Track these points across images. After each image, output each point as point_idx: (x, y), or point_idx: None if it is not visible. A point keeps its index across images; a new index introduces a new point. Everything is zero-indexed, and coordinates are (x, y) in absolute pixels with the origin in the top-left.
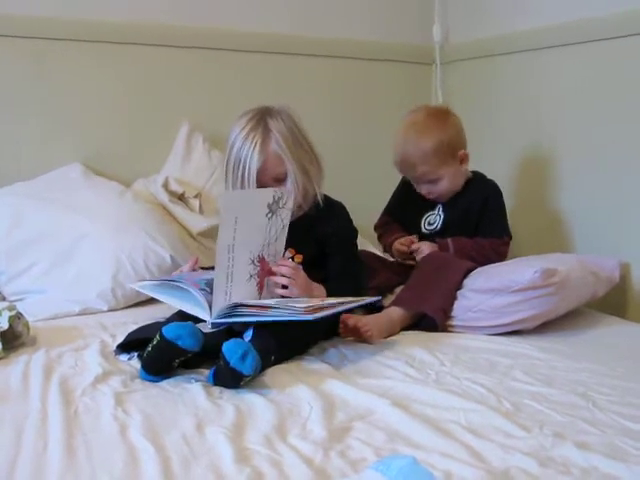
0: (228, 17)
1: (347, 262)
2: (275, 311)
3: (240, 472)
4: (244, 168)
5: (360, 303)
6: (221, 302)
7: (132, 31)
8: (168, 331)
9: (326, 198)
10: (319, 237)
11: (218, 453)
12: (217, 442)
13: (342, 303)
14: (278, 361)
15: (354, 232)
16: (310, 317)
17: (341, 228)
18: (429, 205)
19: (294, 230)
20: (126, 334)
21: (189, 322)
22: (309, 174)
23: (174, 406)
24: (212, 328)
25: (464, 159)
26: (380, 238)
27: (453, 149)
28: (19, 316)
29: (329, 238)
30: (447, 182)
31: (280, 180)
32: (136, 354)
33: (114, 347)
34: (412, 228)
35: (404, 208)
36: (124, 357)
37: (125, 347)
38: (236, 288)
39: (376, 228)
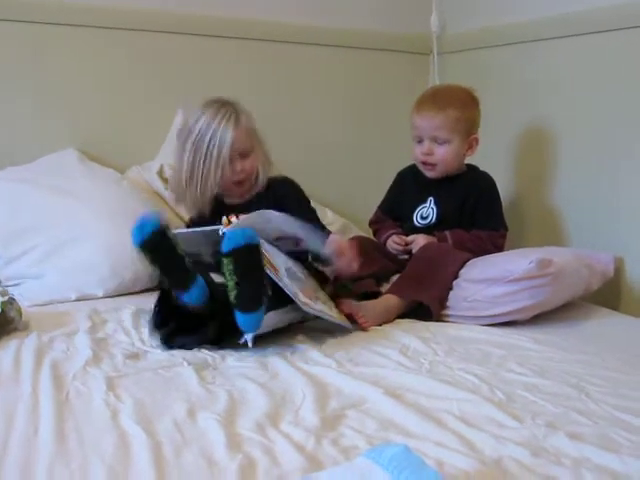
0: (225, 5)
1: (307, 213)
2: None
3: (232, 458)
4: (217, 140)
5: (336, 321)
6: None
7: (128, 17)
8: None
9: (274, 177)
10: (274, 203)
11: (210, 439)
12: (209, 428)
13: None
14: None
15: (303, 192)
16: (302, 306)
17: (291, 190)
18: (420, 198)
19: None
20: (130, 316)
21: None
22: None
23: (166, 391)
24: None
25: (472, 144)
26: (375, 234)
27: (469, 128)
28: (12, 301)
29: (281, 200)
30: (450, 151)
31: (245, 155)
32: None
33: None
34: (405, 223)
35: (398, 203)
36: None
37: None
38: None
39: (371, 224)
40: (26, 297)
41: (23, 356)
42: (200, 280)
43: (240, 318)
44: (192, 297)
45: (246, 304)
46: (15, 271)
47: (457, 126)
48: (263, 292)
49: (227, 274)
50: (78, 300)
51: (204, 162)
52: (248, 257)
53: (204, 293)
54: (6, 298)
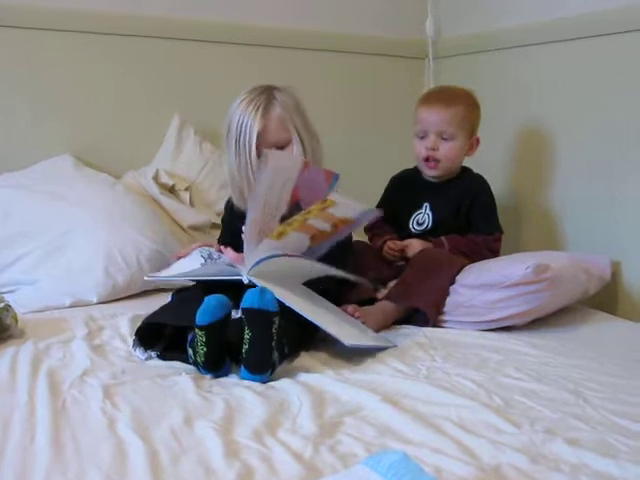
0: (220, 10)
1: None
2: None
3: (229, 466)
4: (245, 132)
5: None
6: (253, 257)
7: (125, 23)
8: (201, 319)
9: None
10: None
11: (207, 447)
12: (206, 436)
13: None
14: (291, 350)
15: None
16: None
17: None
18: (416, 204)
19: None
20: (127, 323)
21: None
22: (314, 153)
23: (163, 399)
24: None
25: (474, 145)
26: (371, 240)
27: (472, 128)
28: (7, 308)
29: None
30: (455, 148)
31: (281, 147)
32: (154, 353)
33: (131, 340)
34: (401, 229)
35: (393, 209)
36: (141, 354)
37: (141, 338)
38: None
39: (366, 230)
40: (20, 304)
41: (19, 364)
42: (228, 361)
43: (244, 373)
44: (218, 376)
45: (252, 364)
46: (9, 278)
47: (463, 123)
48: (269, 360)
49: (245, 326)
50: (73, 306)
51: (239, 158)
52: (259, 321)
53: (229, 369)
54: (2, 305)
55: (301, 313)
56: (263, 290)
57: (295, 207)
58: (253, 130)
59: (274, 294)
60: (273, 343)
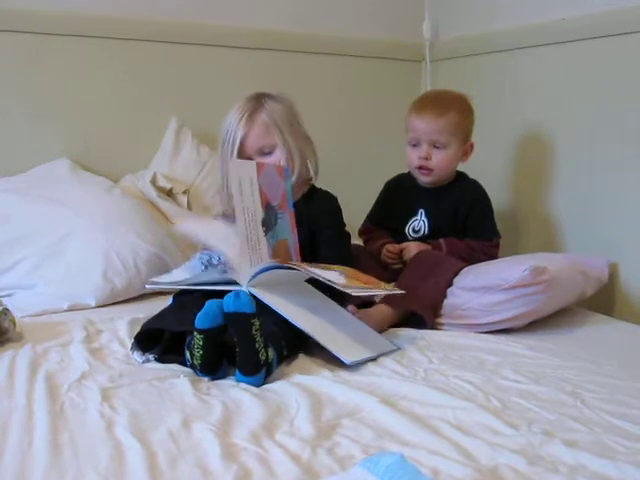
0: (218, 13)
1: (336, 236)
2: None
3: (227, 469)
4: (230, 137)
5: (382, 292)
6: (247, 268)
7: (121, 27)
8: (201, 323)
9: (318, 189)
10: (310, 219)
11: (205, 450)
12: (204, 439)
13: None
14: (290, 352)
15: (341, 215)
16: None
17: (330, 209)
18: (411, 211)
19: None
20: (125, 326)
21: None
22: (305, 157)
23: (161, 402)
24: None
25: (468, 151)
26: (366, 243)
27: (466, 134)
28: (5, 312)
29: (318, 217)
30: (448, 156)
31: (264, 153)
32: (152, 356)
33: (130, 343)
34: (397, 234)
35: (388, 214)
36: (138, 357)
37: (140, 340)
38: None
39: (360, 234)
40: (19, 307)
41: (17, 367)
42: (225, 364)
43: (238, 376)
44: (215, 378)
45: (241, 367)
46: (7, 282)
47: (456, 131)
48: (257, 362)
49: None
50: (71, 310)
51: (223, 164)
52: (238, 324)
53: (225, 372)
54: (0, 308)
55: (301, 328)
56: (237, 293)
57: (269, 209)
58: (237, 136)
59: (273, 306)
60: (256, 345)
